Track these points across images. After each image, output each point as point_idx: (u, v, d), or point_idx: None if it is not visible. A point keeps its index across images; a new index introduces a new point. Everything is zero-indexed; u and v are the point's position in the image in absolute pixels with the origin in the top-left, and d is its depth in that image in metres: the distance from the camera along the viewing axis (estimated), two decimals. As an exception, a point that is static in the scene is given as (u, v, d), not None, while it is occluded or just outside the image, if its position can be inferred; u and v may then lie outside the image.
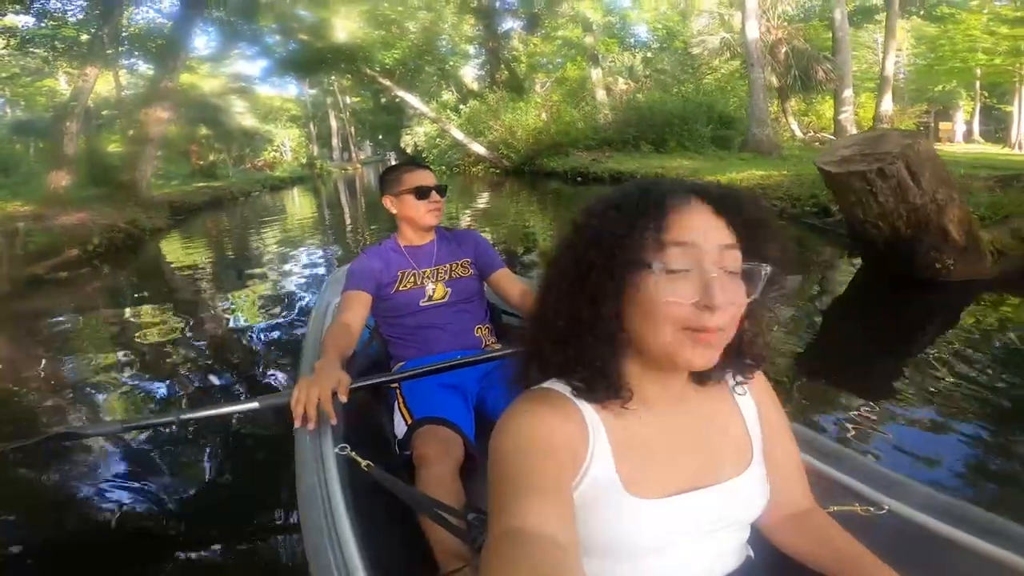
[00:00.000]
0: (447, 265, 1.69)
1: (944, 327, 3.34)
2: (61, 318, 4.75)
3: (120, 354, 3.75)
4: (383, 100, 30.95)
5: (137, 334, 4.17)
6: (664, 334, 0.58)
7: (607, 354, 0.62)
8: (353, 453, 1.13)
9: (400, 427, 1.43)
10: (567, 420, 0.62)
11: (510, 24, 23.83)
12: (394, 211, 1.69)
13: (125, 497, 2.08)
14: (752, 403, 0.74)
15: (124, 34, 14.59)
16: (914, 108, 19.38)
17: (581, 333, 0.62)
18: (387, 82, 18.84)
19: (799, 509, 0.77)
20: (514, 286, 1.72)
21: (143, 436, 2.44)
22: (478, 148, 18.36)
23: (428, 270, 1.67)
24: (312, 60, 18.18)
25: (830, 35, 16.46)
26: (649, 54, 22.10)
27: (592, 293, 0.60)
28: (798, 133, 16.16)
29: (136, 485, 2.15)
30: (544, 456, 0.57)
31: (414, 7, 18.43)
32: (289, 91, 34.11)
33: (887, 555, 0.70)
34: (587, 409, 0.64)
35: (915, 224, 3.65)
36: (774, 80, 16.20)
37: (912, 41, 20.78)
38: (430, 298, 1.65)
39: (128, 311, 4.91)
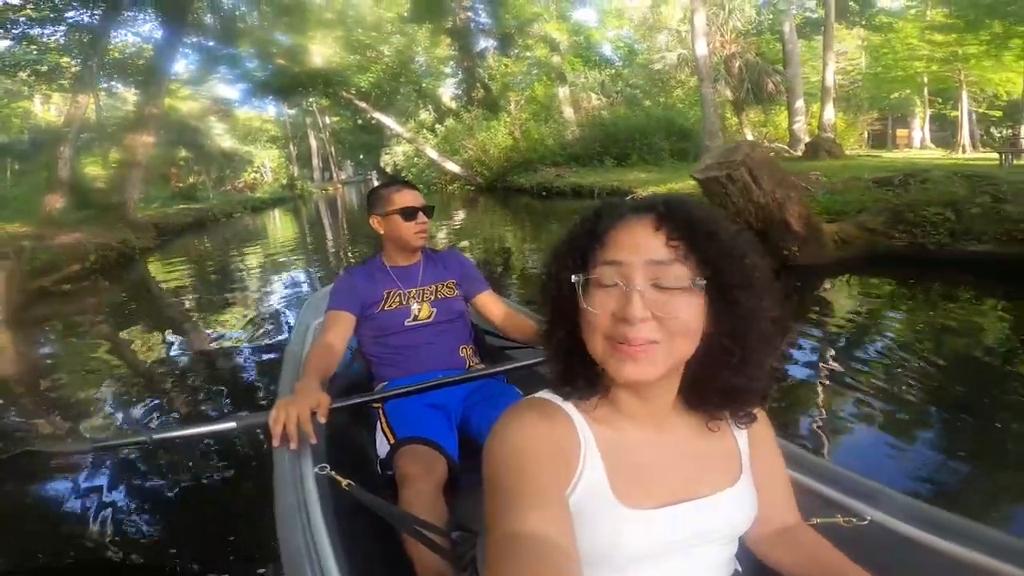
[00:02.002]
0: (432, 286, 1.74)
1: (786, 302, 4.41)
2: (58, 330, 5.52)
3: (104, 369, 4.10)
4: (360, 121, 32.15)
5: (122, 350, 4.62)
6: (596, 344, 0.63)
7: (587, 375, 0.68)
8: (333, 472, 1.14)
9: (383, 447, 1.45)
10: (559, 427, 0.65)
11: (484, 44, 25.28)
12: (381, 231, 1.72)
13: (93, 520, 2.08)
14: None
15: (106, 59, 15.60)
16: (866, 116, 20.84)
17: (560, 345, 0.68)
18: (363, 104, 20.05)
19: (785, 524, 0.80)
20: (498, 308, 1.80)
21: (115, 456, 2.46)
22: (453, 167, 19.61)
23: (414, 290, 1.71)
24: (290, 83, 19.33)
25: (782, 47, 17.86)
26: (613, 71, 23.56)
27: (559, 309, 0.67)
28: (754, 144, 17.49)
29: (105, 507, 2.16)
30: (539, 461, 0.60)
31: (387, 32, 19.74)
32: (268, 111, 35.29)
33: (871, 565, 0.74)
34: (578, 418, 0.68)
35: (763, 219, 4.74)
36: (729, 93, 17.55)
37: (860, 51, 22.41)
38: (415, 318, 1.69)
39: (117, 326, 5.47)
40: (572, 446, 0.65)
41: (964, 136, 18.13)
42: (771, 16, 19.17)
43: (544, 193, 14.78)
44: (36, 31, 14.38)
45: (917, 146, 22.17)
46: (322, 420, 1.25)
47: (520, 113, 20.05)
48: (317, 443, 1.25)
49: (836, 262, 5.01)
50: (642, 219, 0.64)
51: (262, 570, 1.71)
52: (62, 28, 14.34)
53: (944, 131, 24.73)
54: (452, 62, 25.39)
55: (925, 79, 19.15)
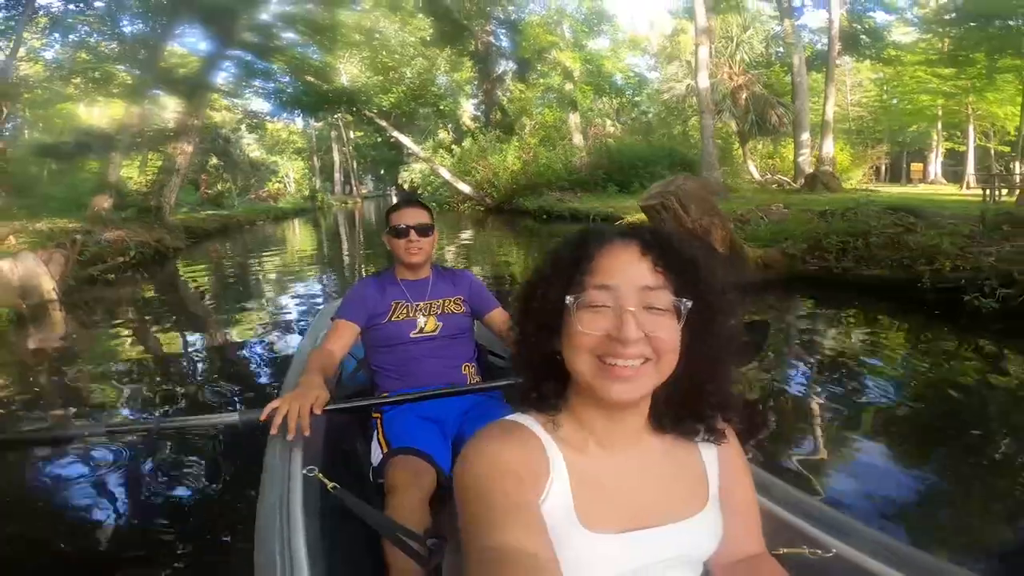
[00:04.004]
0: (440, 300, 1.84)
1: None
2: (98, 314, 6.56)
3: (128, 356, 4.67)
4: (380, 138, 33.84)
5: (146, 339, 5.23)
6: (583, 363, 0.67)
7: (555, 389, 0.73)
8: (320, 475, 1.21)
9: (376, 456, 1.54)
10: (528, 447, 0.69)
11: (504, 67, 26.83)
12: (390, 248, 1.87)
13: (84, 501, 2.27)
14: (713, 447, 0.80)
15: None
16: (874, 150, 21.58)
17: (532, 364, 0.74)
18: (384, 123, 21.64)
19: (749, 553, 0.82)
20: (509, 324, 1.58)
21: (117, 441, 2.61)
22: (464, 187, 21.09)
23: (421, 304, 1.82)
24: (317, 100, 20.88)
25: (791, 80, 18.78)
26: (624, 99, 24.85)
27: (540, 328, 0.71)
28: (756, 176, 18.43)
29: (96, 495, 2.31)
30: (510, 479, 0.64)
31: (410, 56, 21.38)
32: (296, 123, 37.38)
33: None
34: (546, 439, 0.72)
35: (690, 241, 5.81)
36: (733, 125, 18.60)
37: (874, 83, 23.28)
38: (421, 330, 1.79)
39: (146, 317, 6.35)
40: (541, 465, 0.68)
41: (970, 170, 18.82)
42: (782, 49, 20.22)
43: (545, 216, 16.04)
44: (94, 39, 16.02)
45: (934, 179, 22.80)
46: (317, 412, 1.38)
47: (530, 138, 21.45)
48: (312, 446, 1.32)
49: (758, 283, 6.02)
50: (628, 245, 0.69)
51: (239, 563, 1.82)
52: (115, 40, 15.98)
53: (963, 165, 25.31)
54: (473, 84, 27.02)
55: (939, 112, 19.92)
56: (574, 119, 21.72)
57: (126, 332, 5.68)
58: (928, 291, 5.00)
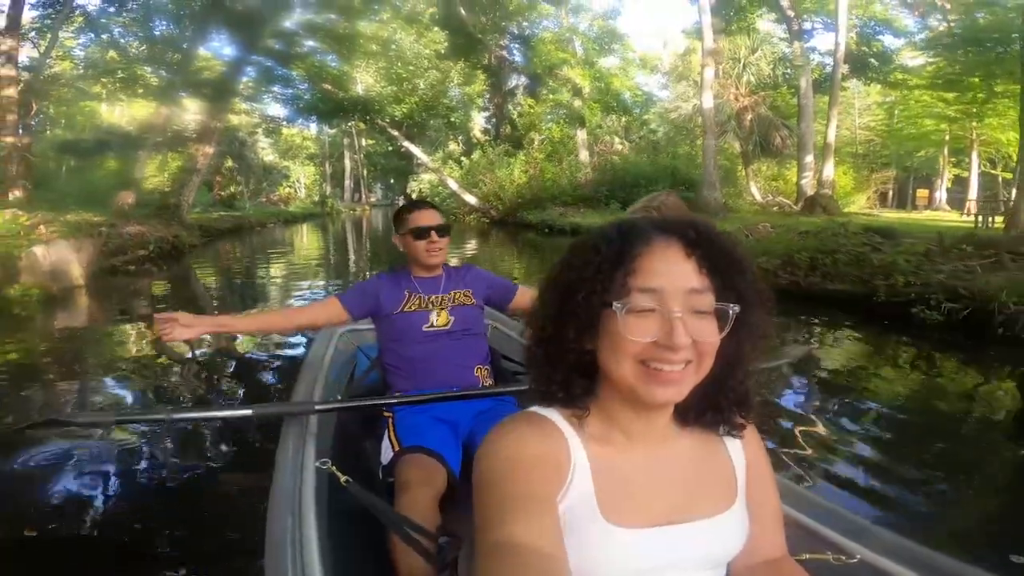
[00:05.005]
0: (451, 293, 1.89)
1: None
2: (117, 303, 7.10)
3: (138, 345, 4.83)
4: (390, 148, 34.70)
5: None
6: (625, 368, 0.66)
7: (584, 385, 0.72)
8: (334, 468, 1.25)
9: (387, 454, 1.57)
10: (550, 439, 0.69)
11: (515, 81, 27.65)
12: (402, 249, 1.90)
13: (100, 490, 2.29)
14: (740, 447, 0.80)
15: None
16: (878, 175, 21.97)
17: (562, 363, 0.72)
18: (396, 132, 22.45)
19: (772, 556, 0.81)
20: None
21: (132, 430, 2.68)
22: (471, 199, 21.86)
23: (434, 297, 1.87)
24: (333, 107, 21.65)
25: (797, 102, 19.19)
26: (631, 118, 25.52)
27: (571, 328, 0.69)
28: (758, 197, 18.90)
29: (110, 481, 2.36)
30: (531, 469, 0.64)
31: (424, 68, 22.21)
32: (310, 129, 38.36)
33: None
34: (569, 432, 0.71)
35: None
36: (737, 146, 19.17)
37: (878, 108, 23.71)
38: (432, 324, 1.83)
39: (162, 307, 6.60)
40: (562, 457, 0.69)
41: (971, 196, 19.12)
42: (790, 70, 20.57)
43: (547, 230, 16.70)
44: (125, 41, 16.81)
45: (941, 205, 23.06)
46: (182, 334, 1.61)
47: (537, 152, 22.16)
48: (323, 442, 1.36)
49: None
50: (671, 243, 0.67)
51: (248, 551, 1.85)
52: (146, 43, 16.56)
53: (967, 191, 25.51)
54: (484, 97, 27.85)
55: (946, 137, 20.27)
56: (581, 135, 22.37)
57: (143, 321, 6.03)
58: (883, 304, 5.52)
